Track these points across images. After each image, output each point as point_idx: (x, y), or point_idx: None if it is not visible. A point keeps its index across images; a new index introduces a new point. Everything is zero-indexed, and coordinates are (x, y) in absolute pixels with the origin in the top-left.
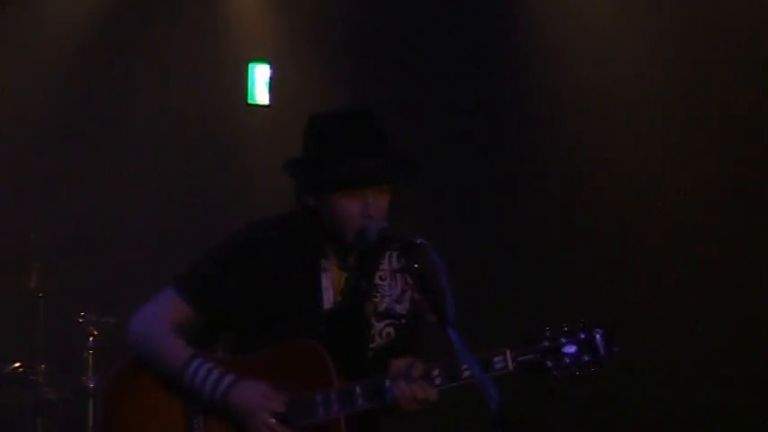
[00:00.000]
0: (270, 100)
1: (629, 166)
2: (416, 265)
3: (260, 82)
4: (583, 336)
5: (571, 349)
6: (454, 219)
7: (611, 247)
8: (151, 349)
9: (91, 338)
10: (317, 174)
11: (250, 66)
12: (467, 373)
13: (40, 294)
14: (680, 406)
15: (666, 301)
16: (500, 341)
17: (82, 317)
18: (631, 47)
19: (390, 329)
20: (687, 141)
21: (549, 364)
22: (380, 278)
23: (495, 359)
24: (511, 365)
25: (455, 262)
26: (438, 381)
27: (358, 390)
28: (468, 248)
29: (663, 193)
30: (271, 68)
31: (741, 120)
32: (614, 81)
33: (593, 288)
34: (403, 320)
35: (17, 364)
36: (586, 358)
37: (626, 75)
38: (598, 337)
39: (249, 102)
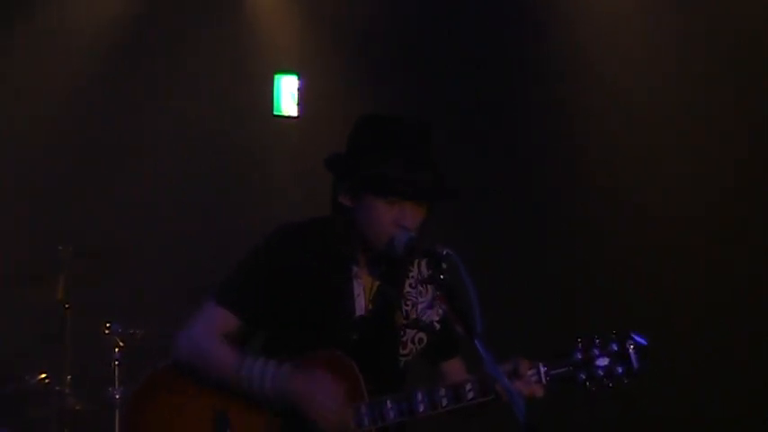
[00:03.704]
0: (299, 111)
1: (630, 166)
2: (443, 277)
3: (286, 93)
4: (615, 348)
5: (603, 362)
6: (454, 219)
7: (611, 247)
8: (203, 365)
9: (117, 349)
10: (363, 174)
11: (276, 77)
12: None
13: (66, 305)
14: (680, 406)
15: (666, 301)
16: (499, 342)
17: (108, 328)
18: (632, 46)
19: (422, 335)
20: (688, 142)
21: (582, 376)
22: (410, 285)
23: (529, 372)
24: (544, 379)
25: None
26: (471, 395)
27: (389, 403)
28: (467, 249)
29: (664, 194)
30: (299, 80)
31: (743, 120)
32: (614, 81)
33: (593, 288)
34: (436, 326)
35: (43, 376)
36: (619, 370)
37: (626, 74)
38: (631, 348)
39: (275, 113)
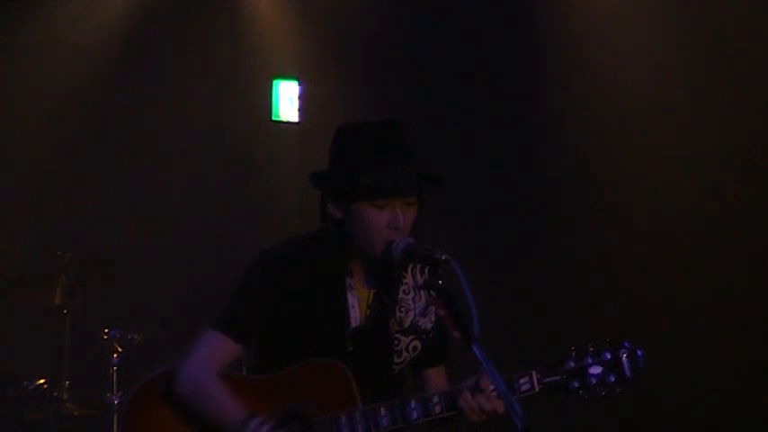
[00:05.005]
0: (299, 117)
1: (630, 166)
2: (441, 282)
3: (285, 99)
4: (609, 356)
5: (596, 370)
6: (453, 219)
7: (610, 247)
8: (203, 407)
9: (115, 355)
10: (348, 183)
11: (275, 82)
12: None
13: (65, 311)
14: (679, 406)
15: (666, 301)
16: (499, 343)
17: (106, 333)
18: (632, 46)
19: (417, 343)
20: (688, 142)
21: (575, 384)
22: (404, 292)
23: (522, 380)
24: (537, 387)
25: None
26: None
27: (383, 410)
28: (466, 249)
29: (664, 194)
30: (299, 85)
31: (743, 120)
32: (614, 81)
33: (592, 289)
34: (429, 334)
35: (42, 381)
36: (612, 379)
37: (626, 74)
38: (624, 357)
39: (273, 118)
